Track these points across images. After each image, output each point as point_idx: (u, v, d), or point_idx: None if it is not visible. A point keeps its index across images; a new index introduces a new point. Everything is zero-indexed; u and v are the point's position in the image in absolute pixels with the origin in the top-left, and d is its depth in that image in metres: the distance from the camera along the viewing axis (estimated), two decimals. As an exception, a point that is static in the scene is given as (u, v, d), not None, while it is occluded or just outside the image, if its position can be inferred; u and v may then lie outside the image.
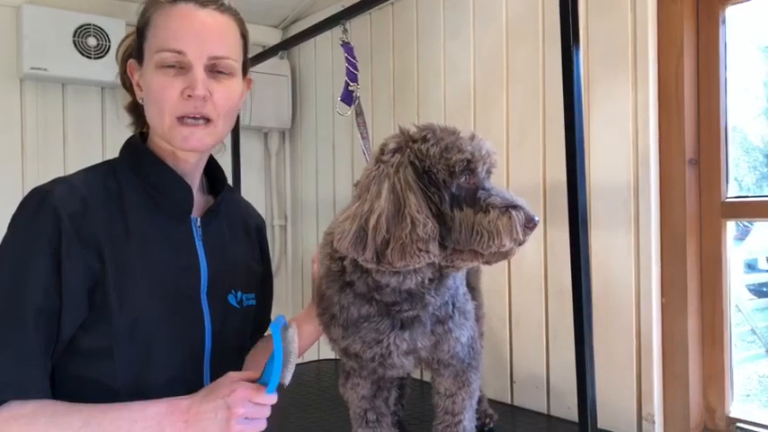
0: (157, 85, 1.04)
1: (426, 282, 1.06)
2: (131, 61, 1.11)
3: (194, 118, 1.04)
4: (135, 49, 1.10)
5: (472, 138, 1.05)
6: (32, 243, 0.97)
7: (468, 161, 1.00)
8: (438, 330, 1.12)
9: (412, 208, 0.96)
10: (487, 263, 1.04)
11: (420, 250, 0.96)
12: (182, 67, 1.03)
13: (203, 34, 1.05)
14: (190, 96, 1.03)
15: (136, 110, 1.17)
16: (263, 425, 1.01)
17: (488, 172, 1.05)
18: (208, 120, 1.06)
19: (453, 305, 1.14)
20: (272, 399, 1.00)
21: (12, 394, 0.94)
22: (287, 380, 1.02)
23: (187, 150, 1.08)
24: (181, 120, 1.04)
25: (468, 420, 1.23)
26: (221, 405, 0.96)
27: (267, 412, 1.00)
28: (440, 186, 1.00)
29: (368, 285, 1.07)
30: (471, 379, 1.21)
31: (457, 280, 1.15)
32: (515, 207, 0.98)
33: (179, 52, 1.03)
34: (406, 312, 1.08)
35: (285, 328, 1.03)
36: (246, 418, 0.97)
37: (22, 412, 0.93)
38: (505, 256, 1.02)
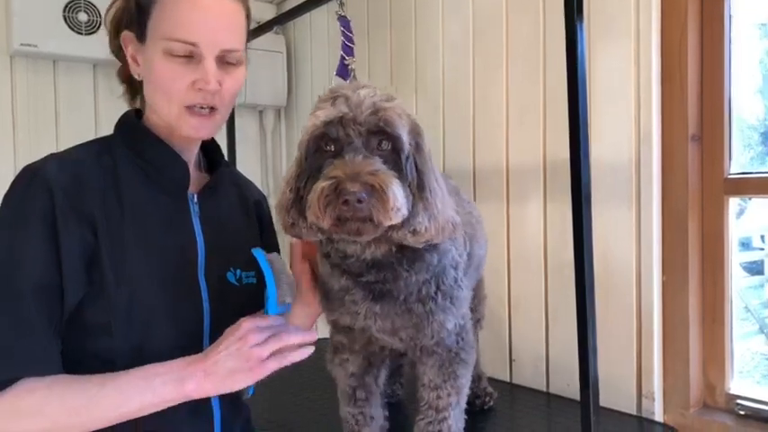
0: (165, 73, 1.02)
1: (394, 251, 1.02)
2: (127, 33, 1.07)
3: (201, 107, 1.04)
4: (133, 22, 1.06)
5: (338, 98, 0.94)
6: (27, 220, 0.95)
7: (314, 127, 0.93)
8: (417, 310, 1.06)
9: (284, 177, 0.99)
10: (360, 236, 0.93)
11: (287, 220, 0.99)
12: (191, 56, 1.02)
13: (216, 25, 1.02)
14: (200, 89, 1.02)
15: (129, 81, 1.15)
16: (289, 338, 1.00)
17: (377, 133, 0.93)
18: (212, 108, 1.06)
19: (437, 286, 1.06)
20: (279, 318, 1.01)
21: (27, 371, 0.93)
22: (287, 299, 1.02)
23: (193, 138, 1.09)
24: (189, 108, 1.04)
25: (455, 419, 1.15)
26: (232, 340, 0.97)
27: (284, 330, 1.00)
28: (302, 154, 0.97)
29: (338, 255, 1.05)
30: (459, 372, 1.13)
31: (445, 259, 1.07)
32: (333, 178, 0.87)
33: (192, 44, 1.01)
34: (375, 284, 1.04)
35: (268, 255, 1.03)
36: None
37: (36, 386, 0.92)
38: (356, 233, 0.91)
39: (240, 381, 0.96)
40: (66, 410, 0.92)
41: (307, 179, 0.95)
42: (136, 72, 1.08)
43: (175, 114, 1.04)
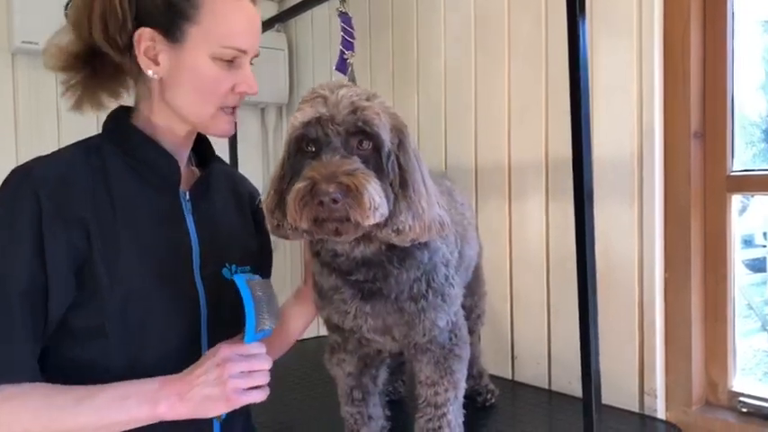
0: (212, 76, 1.04)
1: (384, 248, 1.02)
2: (148, 30, 1.02)
3: (232, 108, 1.10)
4: (158, 21, 1.02)
5: (316, 98, 0.94)
6: (12, 226, 0.95)
7: (293, 129, 0.94)
8: (410, 309, 1.06)
9: (270, 178, 1.00)
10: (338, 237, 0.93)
11: (272, 221, 0.99)
12: (232, 61, 1.05)
13: (255, 32, 1.08)
14: (242, 92, 1.07)
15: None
16: (264, 377, 1.00)
17: (356, 132, 0.92)
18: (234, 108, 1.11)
19: (428, 284, 1.06)
20: (258, 347, 1.01)
21: (3, 378, 0.93)
22: (266, 326, 1.02)
23: (222, 136, 1.12)
24: (222, 109, 1.08)
25: (454, 414, 1.16)
26: (210, 366, 0.96)
27: (263, 364, 1.00)
28: (285, 156, 0.98)
29: (328, 254, 1.05)
30: (455, 367, 1.14)
31: (436, 257, 1.07)
32: (309, 179, 0.87)
33: (243, 51, 1.05)
34: (365, 283, 1.04)
35: (250, 279, 1.03)
36: (243, 373, 0.97)
37: (12, 393, 0.92)
38: (335, 233, 0.91)
39: (215, 409, 0.96)
40: (40, 422, 0.91)
41: (289, 180, 0.95)
42: (152, 70, 1.04)
43: (211, 114, 1.07)
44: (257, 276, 1.09)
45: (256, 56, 1.10)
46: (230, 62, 1.05)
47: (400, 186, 0.96)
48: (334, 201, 0.86)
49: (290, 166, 0.96)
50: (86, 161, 1.03)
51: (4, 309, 0.93)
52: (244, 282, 1.01)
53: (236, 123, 1.13)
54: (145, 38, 1.03)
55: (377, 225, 0.92)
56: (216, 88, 1.05)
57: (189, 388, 0.95)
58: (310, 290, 1.17)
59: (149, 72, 1.05)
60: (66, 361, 0.99)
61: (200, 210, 1.13)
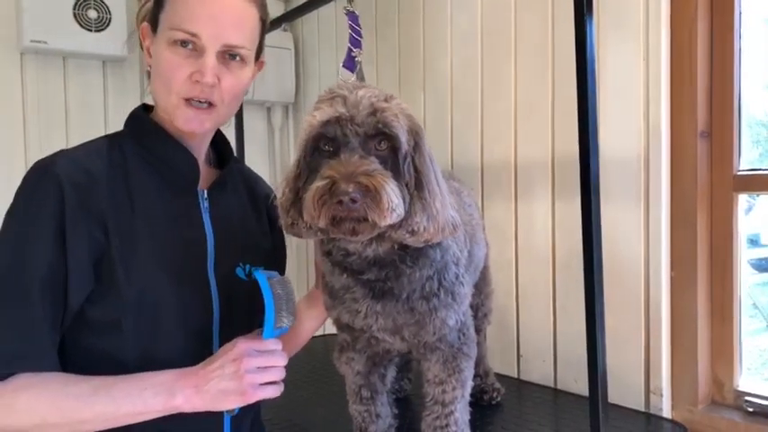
0: (167, 62, 1.03)
1: (396, 247, 1.02)
2: (145, 25, 1.09)
3: (199, 101, 1.05)
4: (150, 15, 1.08)
5: (335, 98, 0.94)
6: (35, 216, 0.96)
7: (311, 128, 0.94)
8: (421, 308, 1.06)
9: (284, 177, 0.99)
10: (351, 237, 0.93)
11: (287, 220, 0.98)
12: (194, 49, 1.03)
13: (221, 20, 1.03)
14: (197, 81, 1.03)
15: None
16: (280, 373, 1.02)
17: (375, 133, 0.92)
18: (211, 104, 1.06)
19: (440, 283, 1.07)
20: (275, 344, 1.02)
21: (20, 367, 0.94)
22: (284, 323, 1.04)
23: (186, 131, 1.08)
24: (187, 101, 1.04)
25: (461, 412, 1.17)
26: (226, 361, 0.97)
27: (278, 360, 1.01)
28: (301, 155, 0.97)
29: (339, 253, 1.05)
30: (462, 366, 1.14)
31: (447, 255, 1.08)
32: (328, 178, 0.88)
33: (193, 35, 1.02)
34: (376, 282, 1.04)
35: (270, 277, 1.04)
36: (259, 368, 0.98)
37: (31, 382, 0.93)
38: (352, 232, 0.91)
39: (230, 402, 0.98)
40: (58, 410, 0.93)
41: (305, 179, 0.96)
42: (148, 64, 1.09)
43: (173, 105, 1.05)
44: (277, 273, 1.10)
45: (234, 48, 1.05)
46: (191, 50, 1.03)
47: (415, 188, 0.96)
48: (353, 200, 0.86)
49: (307, 165, 0.96)
50: (108, 157, 1.05)
51: (25, 298, 0.94)
52: (265, 279, 1.02)
53: (209, 121, 1.08)
54: (145, 34, 1.09)
55: (392, 226, 0.93)
56: (171, 75, 1.03)
57: (205, 381, 0.96)
58: (321, 293, 1.18)
59: (147, 65, 1.09)
60: (80, 350, 1.01)
61: (217, 209, 1.14)
